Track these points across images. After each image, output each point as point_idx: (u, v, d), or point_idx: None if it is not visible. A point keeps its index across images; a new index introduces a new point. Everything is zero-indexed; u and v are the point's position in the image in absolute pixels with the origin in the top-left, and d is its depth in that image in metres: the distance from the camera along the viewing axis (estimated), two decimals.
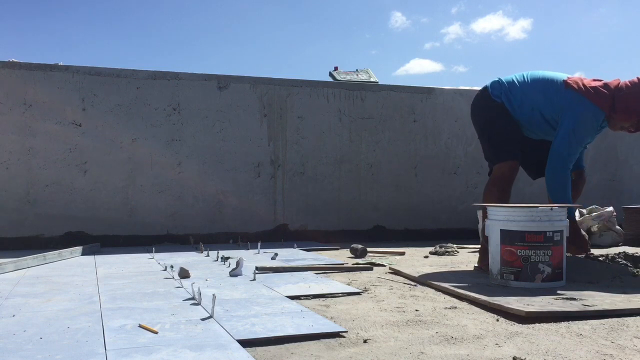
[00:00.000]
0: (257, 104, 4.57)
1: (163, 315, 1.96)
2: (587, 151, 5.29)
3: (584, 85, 2.85)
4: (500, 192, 2.95)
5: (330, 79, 5.05)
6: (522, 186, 4.43)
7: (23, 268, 3.12)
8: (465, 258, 3.53)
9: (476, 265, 3.02)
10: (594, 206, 4.54)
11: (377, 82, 5.08)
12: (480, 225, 3.16)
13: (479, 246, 3.13)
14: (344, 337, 1.75)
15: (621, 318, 1.95)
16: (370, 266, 3.18)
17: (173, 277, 2.77)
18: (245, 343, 1.64)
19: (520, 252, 2.44)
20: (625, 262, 2.97)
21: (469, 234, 4.68)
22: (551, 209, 2.47)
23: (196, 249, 3.97)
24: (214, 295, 1.99)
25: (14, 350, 1.57)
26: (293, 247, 4.08)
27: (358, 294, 2.41)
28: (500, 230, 2.50)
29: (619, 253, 3.20)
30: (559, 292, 2.32)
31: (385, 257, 3.66)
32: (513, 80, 3.04)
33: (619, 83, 2.84)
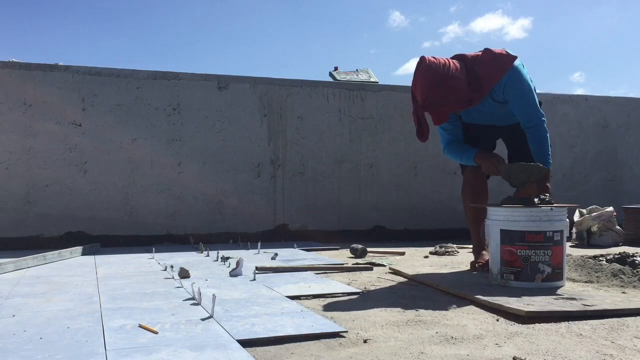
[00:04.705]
0: (257, 104, 4.57)
1: (163, 315, 1.96)
2: (586, 152, 5.34)
3: None
4: (473, 193, 3.13)
5: (330, 79, 5.06)
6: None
7: (23, 268, 3.12)
8: (465, 258, 3.53)
9: (478, 263, 3.01)
10: (594, 206, 4.54)
11: (377, 82, 5.08)
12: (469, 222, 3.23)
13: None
14: (344, 337, 1.74)
15: (621, 318, 1.95)
16: (370, 266, 3.18)
17: (173, 277, 2.77)
18: (245, 343, 1.64)
19: (520, 252, 2.44)
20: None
21: (469, 234, 4.67)
22: (551, 209, 2.47)
23: (196, 249, 3.97)
24: (214, 295, 1.99)
25: (14, 350, 1.57)
26: (293, 247, 4.08)
27: (358, 294, 2.41)
28: (500, 230, 2.50)
29: (619, 253, 3.20)
30: (559, 292, 2.32)
31: (385, 257, 3.65)
32: None
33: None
